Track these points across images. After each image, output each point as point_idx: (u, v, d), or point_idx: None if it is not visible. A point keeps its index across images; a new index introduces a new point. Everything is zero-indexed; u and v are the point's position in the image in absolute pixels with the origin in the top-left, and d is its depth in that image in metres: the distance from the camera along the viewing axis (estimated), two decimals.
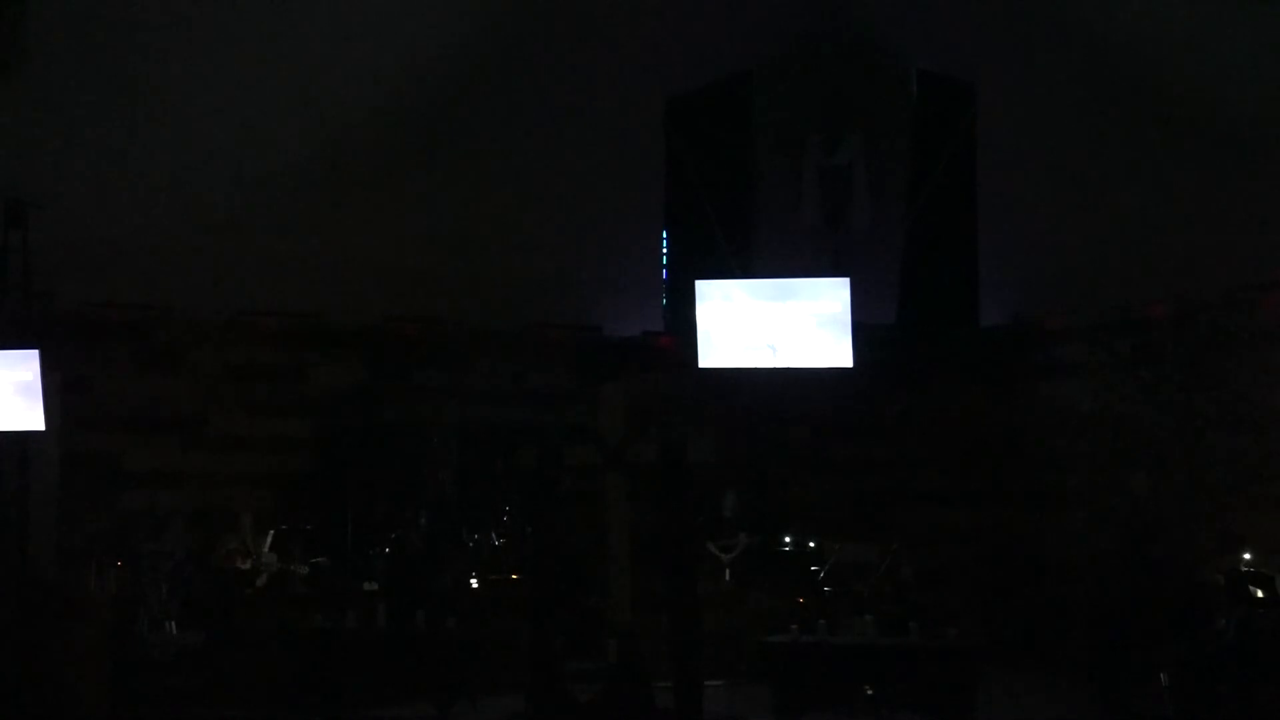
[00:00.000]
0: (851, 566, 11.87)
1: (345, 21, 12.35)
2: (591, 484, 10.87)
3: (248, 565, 12.23)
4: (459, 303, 14.25)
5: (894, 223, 15.23)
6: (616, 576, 10.18)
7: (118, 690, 10.81)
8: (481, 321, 14.37)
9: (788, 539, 13.34)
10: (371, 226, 13.74)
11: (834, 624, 10.62)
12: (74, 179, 12.03)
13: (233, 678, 11.26)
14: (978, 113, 14.89)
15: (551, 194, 14.43)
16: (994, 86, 14.57)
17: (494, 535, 13.38)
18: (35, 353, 11.14)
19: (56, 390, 11.53)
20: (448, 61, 13.20)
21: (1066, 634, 12.72)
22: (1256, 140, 12.06)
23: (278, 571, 12.28)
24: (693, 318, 13.32)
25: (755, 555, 13.04)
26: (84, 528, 12.01)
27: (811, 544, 12.94)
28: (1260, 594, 10.41)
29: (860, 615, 10.67)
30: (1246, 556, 11.12)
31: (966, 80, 14.93)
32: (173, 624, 11.36)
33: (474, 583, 12.57)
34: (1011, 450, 14.37)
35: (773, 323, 13.02)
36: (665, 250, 15.81)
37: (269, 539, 12.50)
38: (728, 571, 12.87)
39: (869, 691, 10.11)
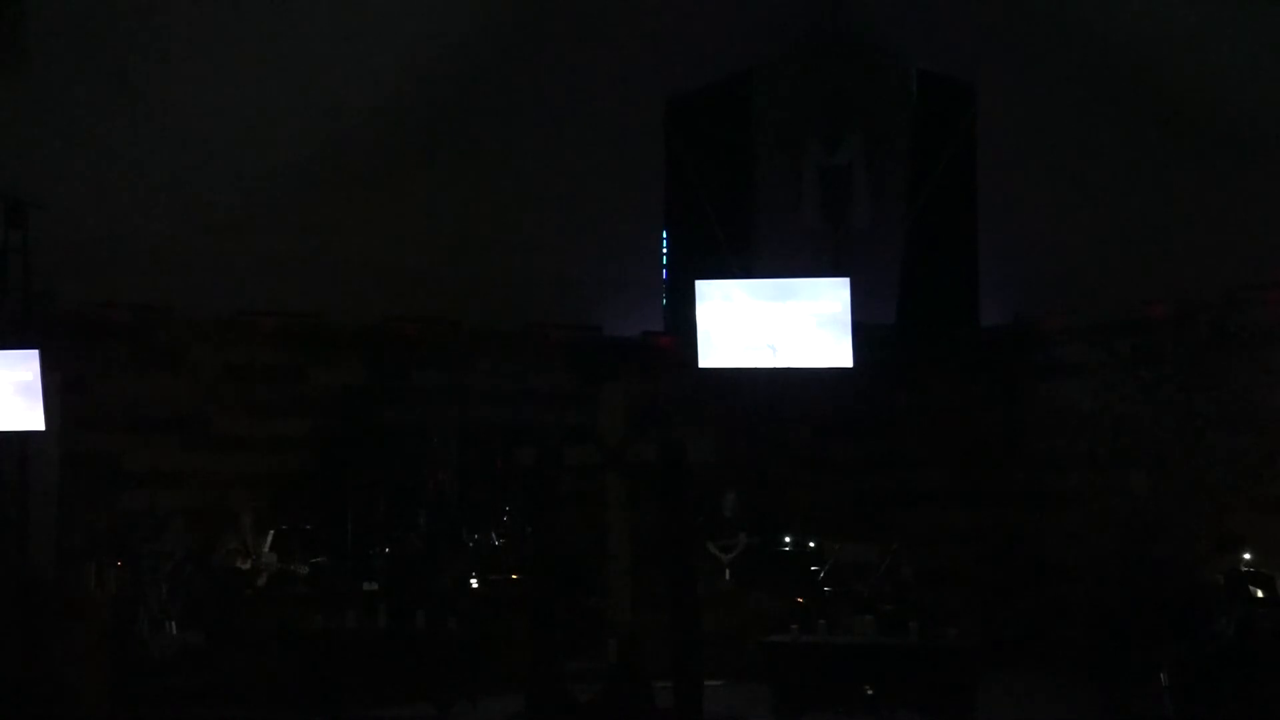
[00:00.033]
0: (851, 566, 11.83)
1: (345, 21, 12.33)
2: (591, 484, 10.83)
3: (248, 565, 12.22)
4: (459, 303, 14.24)
5: (894, 223, 15.20)
6: (616, 576, 10.14)
7: (118, 690, 10.82)
8: (481, 322, 14.37)
9: (788, 539, 13.33)
10: (371, 226, 13.74)
11: (834, 624, 10.59)
12: (74, 179, 12.03)
13: (233, 678, 11.25)
14: (978, 113, 14.87)
15: (551, 194, 14.43)
16: (994, 86, 14.56)
17: (494, 535, 13.37)
18: (35, 353, 11.16)
19: (56, 390, 11.53)
20: (448, 61, 13.19)
21: (1066, 634, 12.73)
22: (1256, 140, 12.07)
23: (278, 571, 12.27)
24: (693, 318, 13.37)
25: (755, 555, 13.02)
26: (84, 528, 11.98)
27: (811, 544, 12.93)
28: (1260, 594, 10.40)
29: (860, 615, 10.63)
30: (1246, 556, 11.11)
31: (966, 80, 14.91)
32: (173, 624, 11.35)
33: (474, 583, 12.55)
34: (1011, 450, 14.35)
35: (773, 323, 13.06)
36: (665, 250, 15.78)
37: (269, 539, 12.49)
38: (728, 571, 12.85)
39: (869, 691, 10.10)
